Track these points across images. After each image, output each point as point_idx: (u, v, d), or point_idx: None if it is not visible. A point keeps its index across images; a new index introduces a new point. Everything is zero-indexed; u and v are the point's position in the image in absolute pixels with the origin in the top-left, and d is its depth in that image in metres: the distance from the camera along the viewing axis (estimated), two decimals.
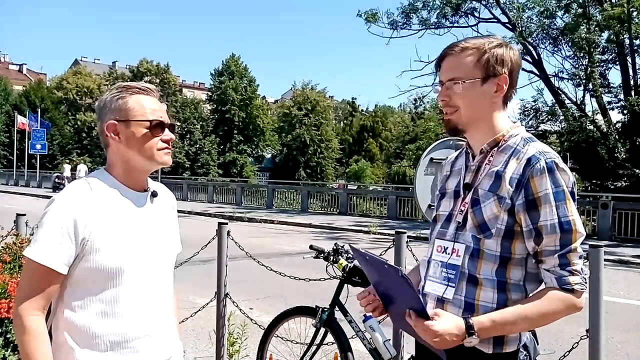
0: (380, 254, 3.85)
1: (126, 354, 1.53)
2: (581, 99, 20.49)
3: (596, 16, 18.61)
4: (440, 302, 1.58)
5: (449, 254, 1.60)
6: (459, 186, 1.65)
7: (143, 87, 1.64)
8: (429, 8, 21.45)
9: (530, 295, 1.52)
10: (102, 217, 1.51)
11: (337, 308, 3.51)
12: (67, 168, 30.30)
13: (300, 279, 4.15)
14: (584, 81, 20.05)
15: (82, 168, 29.55)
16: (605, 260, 2.97)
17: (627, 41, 18.81)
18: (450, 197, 1.67)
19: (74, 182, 1.59)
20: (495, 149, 1.59)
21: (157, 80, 47.11)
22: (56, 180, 29.14)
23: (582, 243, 1.52)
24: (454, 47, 1.59)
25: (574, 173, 21.44)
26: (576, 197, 1.53)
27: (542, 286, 1.54)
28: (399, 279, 1.50)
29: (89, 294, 1.51)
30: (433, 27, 21.76)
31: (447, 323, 1.46)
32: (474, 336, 1.46)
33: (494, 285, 1.51)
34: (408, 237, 3.66)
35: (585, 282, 1.50)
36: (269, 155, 57.80)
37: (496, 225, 1.51)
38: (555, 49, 20.93)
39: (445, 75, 1.60)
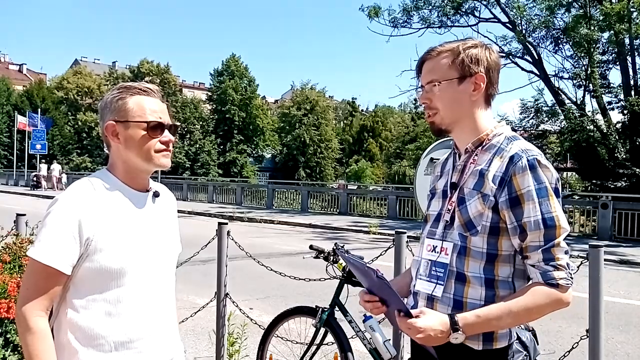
0: (380, 254, 3.86)
1: (130, 354, 1.53)
2: (581, 99, 20.48)
3: (597, 16, 18.61)
4: (430, 300, 1.60)
5: (437, 252, 1.62)
6: (447, 186, 1.68)
7: (144, 87, 1.63)
8: (430, 6, 21.46)
9: (516, 290, 1.53)
10: (105, 217, 1.51)
11: (337, 308, 3.51)
12: (43, 168, 31.66)
13: (300, 279, 4.15)
14: (584, 81, 20.04)
15: (56, 167, 31.55)
16: (605, 260, 2.97)
17: (627, 41, 18.81)
18: (440, 197, 1.70)
19: (76, 182, 1.58)
20: (480, 148, 1.62)
21: (158, 81, 47.08)
22: (34, 179, 30.85)
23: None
24: (431, 52, 1.65)
25: (574, 173, 21.49)
26: (561, 193, 1.55)
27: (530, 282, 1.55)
28: (378, 280, 1.56)
29: (92, 294, 1.51)
30: (434, 26, 21.76)
31: (430, 320, 1.49)
32: (459, 332, 1.48)
33: (482, 283, 1.53)
34: (408, 237, 3.66)
35: (571, 277, 1.51)
36: (269, 155, 57.80)
37: (481, 222, 1.54)
38: (556, 48, 20.93)
39: (425, 78, 1.65)
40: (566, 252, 1.51)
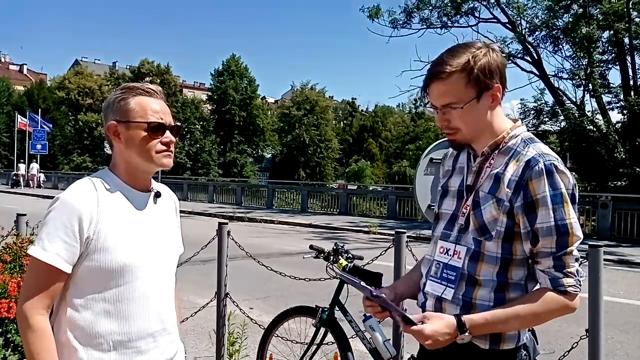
0: (380, 254, 3.86)
1: (129, 353, 1.54)
2: (581, 99, 20.49)
3: (596, 15, 18.62)
4: (439, 301, 1.60)
5: (450, 255, 1.61)
6: (462, 186, 1.65)
7: (146, 88, 1.63)
8: (431, 7, 21.46)
9: (525, 295, 1.53)
10: (106, 216, 1.52)
11: (337, 308, 3.51)
12: (22, 167, 33.34)
13: (300, 279, 4.15)
14: (583, 81, 20.03)
15: (34, 166, 33.54)
16: (605, 260, 2.97)
17: (626, 41, 18.81)
18: (454, 197, 1.67)
19: (78, 182, 1.58)
20: (496, 151, 1.59)
21: (158, 81, 47.07)
22: (13, 177, 32.94)
23: (582, 243, 1.52)
24: (440, 73, 1.54)
25: (574, 173, 21.49)
26: (577, 200, 1.52)
27: (538, 286, 1.55)
28: (374, 298, 1.62)
29: (92, 293, 1.51)
30: (434, 26, 21.76)
31: (437, 324, 1.48)
32: (466, 334, 1.48)
33: (494, 286, 1.53)
34: (408, 237, 3.66)
35: (580, 285, 1.50)
36: (269, 155, 57.79)
37: (496, 227, 1.52)
38: (557, 48, 20.91)
39: (439, 101, 1.57)
40: (577, 260, 1.50)
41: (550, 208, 1.46)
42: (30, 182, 32.80)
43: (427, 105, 1.64)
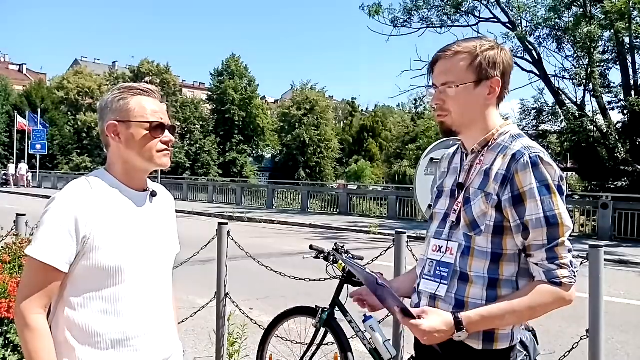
0: (380, 254, 3.86)
1: (127, 352, 1.54)
2: (581, 99, 20.47)
3: (597, 15, 18.62)
4: (433, 299, 1.60)
5: (443, 252, 1.62)
6: (455, 185, 1.67)
7: (144, 88, 1.64)
8: (430, 6, 21.46)
9: (520, 289, 1.53)
10: (102, 215, 1.52)
11: (337, 308, 3.51)
12: (11, 167, 34.85)
13: (300, 279, 4.15)
14: (584, 81, 20.02)
15: (23, 166, 34.97)
16: (605, 260, 2.97)
17: (627, 40, 18.80)
18: (447, 196, 1.70)
19: (73, 181, 1.59)
20: (486, 148, 1.61)
21: (157, 81, 47.05)
22: (3, 177, 34.84)
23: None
24: (446, 51, 1.61)
25: (574, 173, 21.51)
26: (564, 191, 1.54)
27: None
28: (378, 287, 1.60)
29: (89, 292, 1.52)
30: (434, 25, 21.75)
31: (434, 320, 1.49)
32: (462, 331, 1.49)
33: (485, 282, 1.53)
34: (408, 237, 3.66)
35: (575, 276, 1.51)
36: (269, 155, 57.77)
37: (485, 221, 1.53)
38: (558, 46, 20.90)
39: (439, 79, 1.62)
40: (569, 251, 1.51)
41: (538, 200, 1.48)
42: (20, 181, 34.01)
43: (430, 85, 1.68)
